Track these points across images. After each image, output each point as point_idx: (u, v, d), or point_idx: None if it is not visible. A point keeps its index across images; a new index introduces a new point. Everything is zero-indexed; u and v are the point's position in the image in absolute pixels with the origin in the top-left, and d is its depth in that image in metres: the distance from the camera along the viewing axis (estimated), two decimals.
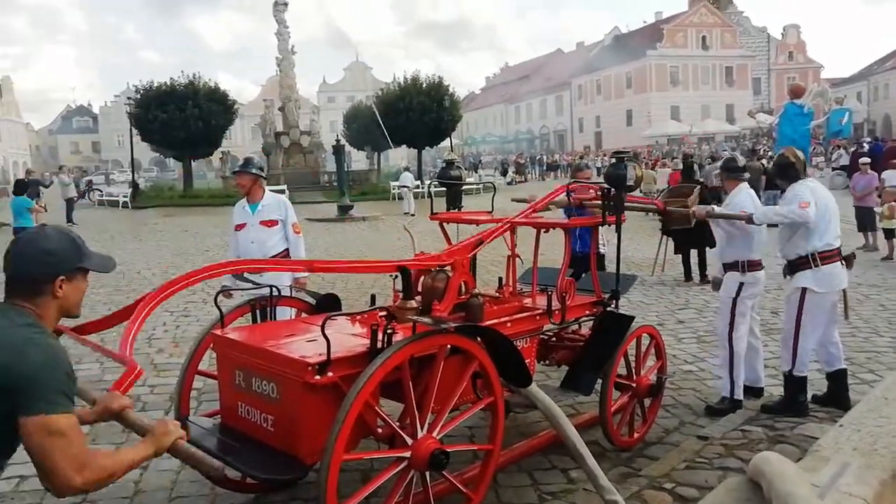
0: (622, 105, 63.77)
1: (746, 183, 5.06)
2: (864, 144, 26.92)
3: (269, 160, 32.85)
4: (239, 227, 5.52)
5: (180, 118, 30.08)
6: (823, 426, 4.27)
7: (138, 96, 31.82)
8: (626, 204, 4.29)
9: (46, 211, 19.70)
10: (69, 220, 21.84)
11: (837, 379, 4.77)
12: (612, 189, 4.12)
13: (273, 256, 5.40)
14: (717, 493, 1.48)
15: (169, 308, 9.11)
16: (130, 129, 32.87)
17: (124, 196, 29.93)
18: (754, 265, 4.86)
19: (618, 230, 4.20)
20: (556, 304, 4.00)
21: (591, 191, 4.63)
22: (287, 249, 5.51)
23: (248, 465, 2.90)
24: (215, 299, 3.57)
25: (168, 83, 31.53)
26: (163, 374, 6.18)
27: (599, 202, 4.22)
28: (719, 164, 17.38)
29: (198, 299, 9.69)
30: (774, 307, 7.86)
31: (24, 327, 1.87)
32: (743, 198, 4.93)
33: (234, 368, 3.26)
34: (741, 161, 5.39)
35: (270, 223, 5.43)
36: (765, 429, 4.33)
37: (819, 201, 4.55)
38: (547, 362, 4.66)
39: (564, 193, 4.53)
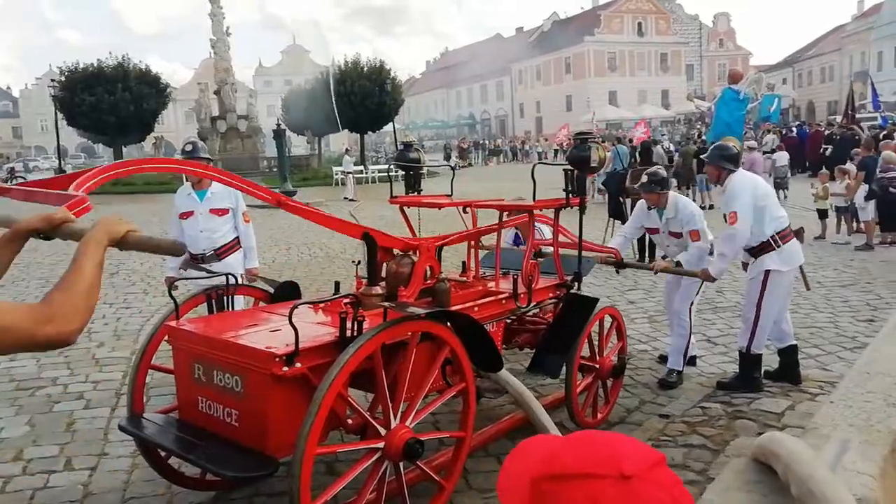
0: (562, 90, 64.48)
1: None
2: (793, 129, 28.07)
3: (205, 145, 31.73)
4: (185, 215, 5.18)
5: (109, 102, 28.77)
6: (778, 400, 4.40)
7: (63, 78, 30.19)
8: (583, 254, 4.47)
9: None
10: None
11: (789, 354, 4.93)
12: (576, 171, 4.09)
13: (223, 246, 5.17)
14: (725, 476, 1.45)
15: (108, 300, 8.70)
16: (55, 114, 31.20)
17: None
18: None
19: (580, 213, 4.19)
20: (521, 288, 3.97)
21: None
22: (237, 238, 5.26)
23: (215, 464, 2.76)
24: (169, 290, 3.38)
25: (95, 65, 30.04)
26: (105, 368, 5.89)
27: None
28: (660, 148, 17.67)
29: (138, 290, 9.30)
30: (719, 286, 8.09)
31: None
32: (690, 216, 5.07)
33: (193, 361, 3.09)
34: (662, 174, 5.33)
35: (221, 212, 5.12)
36: (723, 405, 4.44)
37: (756, 190, 4.70)
38: (507, 346, 4.64)
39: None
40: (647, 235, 9.78)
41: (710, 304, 7.36)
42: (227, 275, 3.65)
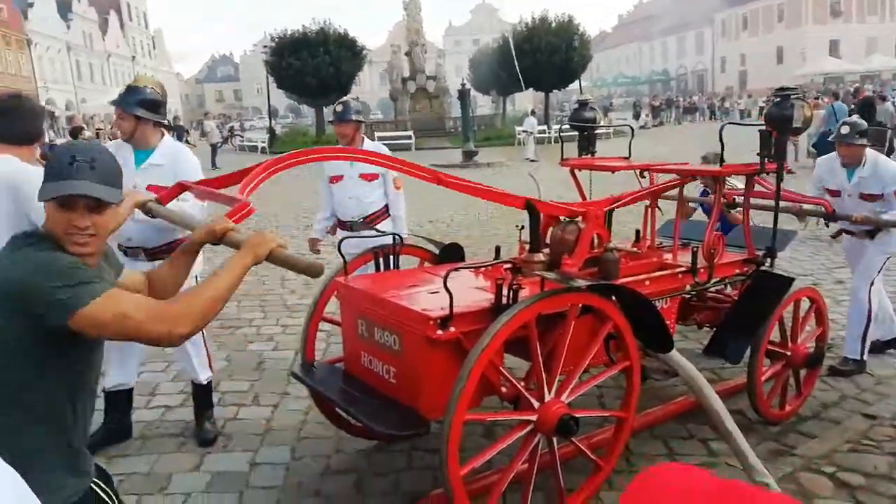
0: (771, 41, 58.14)
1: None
2: None
3: (395, 106, 33.20)
4: (335, 179, 4.86)
5: (312, 65, 30.88)
6: None
7: (273, 44, 32.97)
8: (782, 203, 3.88)
9: (195, 146, 21.02)
10: (213, 164, 23.33)
11: None
12: (773, 131, 3.59)
13: (372, 214, 4.84)
14: None
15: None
16: (267, 77, 34.24)
17: (262, 142, 31.47)
18: None
19: (778, 179, 3.69)
20: (701, 262, 3.60)
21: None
22: (386, 205, 4.90)
23: (370, 419, 2.84)
24: (339, 247, 3.52)
25: (300, 30, 32.38)
26: (294, 314, 6.39)
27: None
28: (889, 105, 15.29)
29: (328, 244, 9.96)
30: None
31: (15, 249, 1.72)
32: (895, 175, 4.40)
33: (357, 317, 3.19)
34: (865, 124, 4.63)
35: (371, 176, 4.77)
36: None
37: None
38: (684, 323, 4.29)
39: None
40: None
41: None
42: (393, 234, 3.72)
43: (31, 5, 46.42)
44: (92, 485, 1.81)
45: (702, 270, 3.60)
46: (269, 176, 2.61)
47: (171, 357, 5.22)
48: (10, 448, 1.63)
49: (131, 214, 2.76)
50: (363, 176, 4.78)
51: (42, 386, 1.67)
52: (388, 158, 3.28)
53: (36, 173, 2.82)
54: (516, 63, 28.29)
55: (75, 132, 16.55)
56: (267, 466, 3.63)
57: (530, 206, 3.25)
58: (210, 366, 4.08)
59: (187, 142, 17.78)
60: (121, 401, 3.96)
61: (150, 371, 4.97)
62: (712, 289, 3.90)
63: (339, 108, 4.78)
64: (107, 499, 1.83)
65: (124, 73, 57.29)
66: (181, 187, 3.00)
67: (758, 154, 3.63)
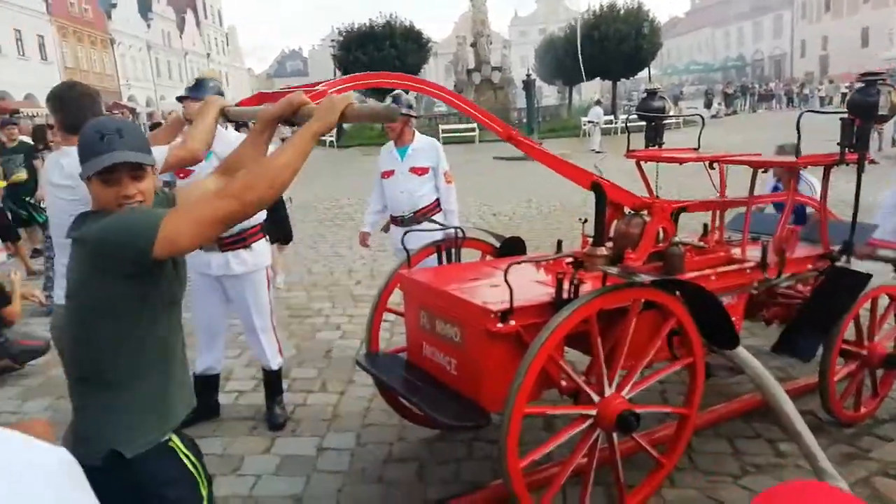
0: (856, 22, 55.04)
1: None
2: None
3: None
4: (386, 174, 4.92)
5: (378, 58, 31.29)
6: None
7: (341, 38, 33.55)
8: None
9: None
10: None
11: None
12: (856, 119, 3.44)
13: (423, 208, 4.84)
14: None
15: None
16: (334, 71, 34.87)
17: (330, 136, 32.07)
18: None
19: (859, 169, 3.53)
20: (772, 257, 3.50)
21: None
22: (437, 199, 4.91)
23: (431, 408, 2.90)
24: (402, 240, 3.59)
25: (367, 24, 32.83)
26: (360, 304, 6.54)
27: None
28: None
29: (379, 237, 10.12)
30: None
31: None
32: None
33: (420, 309, 3.26)
34: None
35: (421, 170, 4.79)
36: None
37: None
38: (751, 319, 4.17)
39: None
40: None
41: None
42: (456, 228, 3.77)
43: (114, 6, 48.70)
44: (176, 448, 1.88)
45: (772, 266, 3.50)
46: (355, 87, 2.59)
47: (245, 344, 5.45)
48: (111, 387, 1.80)
49: (218, 120, 2.69)
50: (413, 170, 4.81)
51: (132, 338, 1.79)
52: (460, 98, 3.22)
53: None
54: (579, 52, 27.82)
55: (154, 128, 17.33)
56: (333, 452, 3.76)
57: (597, 187, 3.23)
58: (280, 353, 4.25)
59: None
60: (208, 384, 4.21)
61: (225, 357, 5.19)
62: (783, 285, 3.78)
63: (390, 101, 4.74)
64: (191, 468, 1.90)
65: (199, 70, 59.34)
66: (262, 95, 3.01)
67: (838, 144, 3.48)
